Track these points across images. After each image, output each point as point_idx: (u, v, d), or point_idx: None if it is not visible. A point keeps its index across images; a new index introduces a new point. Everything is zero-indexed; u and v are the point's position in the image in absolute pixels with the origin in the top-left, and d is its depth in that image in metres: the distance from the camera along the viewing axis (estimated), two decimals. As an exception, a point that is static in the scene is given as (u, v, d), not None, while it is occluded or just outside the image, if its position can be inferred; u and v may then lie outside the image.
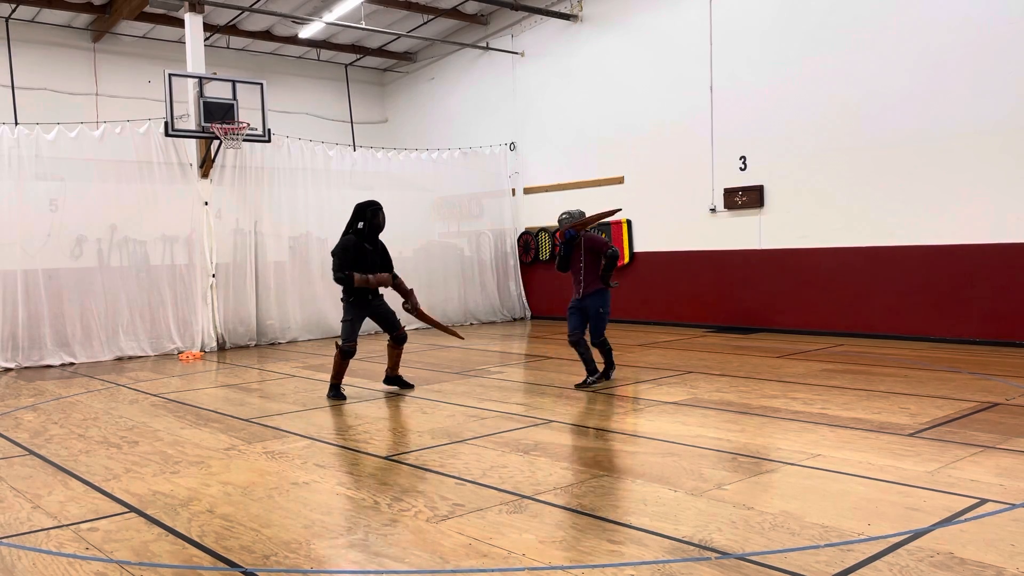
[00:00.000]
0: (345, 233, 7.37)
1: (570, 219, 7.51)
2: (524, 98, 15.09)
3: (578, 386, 7.49)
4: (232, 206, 11.83)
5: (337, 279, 7.22)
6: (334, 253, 7.31)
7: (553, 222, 14.67)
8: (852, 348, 9.73)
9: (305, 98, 16.84)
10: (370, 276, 7.22)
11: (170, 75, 10.78)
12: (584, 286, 7.49)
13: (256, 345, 11.90)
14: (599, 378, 7.61)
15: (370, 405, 7.13)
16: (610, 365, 7.77)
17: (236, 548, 3.66)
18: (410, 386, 7.81)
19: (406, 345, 7.91)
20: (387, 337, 7.68)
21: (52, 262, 10.45)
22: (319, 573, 3.44)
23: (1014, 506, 3.91)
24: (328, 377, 7.79)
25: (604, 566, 3.33)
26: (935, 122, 9.91)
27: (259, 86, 11.50)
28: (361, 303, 7.37)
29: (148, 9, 13.19)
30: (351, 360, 7.52)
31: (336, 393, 7.41)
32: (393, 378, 7.80)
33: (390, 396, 7.49)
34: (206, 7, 12.12)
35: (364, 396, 7.53)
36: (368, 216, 7.29)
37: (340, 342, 7.38)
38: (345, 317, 7.38)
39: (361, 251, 7.24)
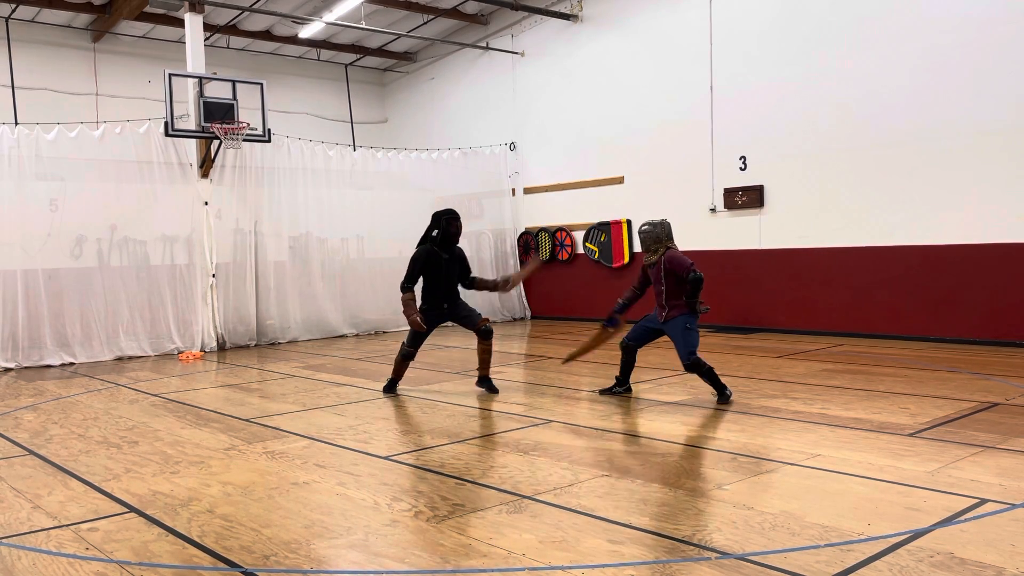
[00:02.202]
0: (422, 242, 7.33)
1: (651, 230, 6.75)
2: (524, 98, 15.09)
3: (602, 391, 7.17)
4: (232, 206, 11.83)
5: (401, 286, 7.18)
6: (410, 260, 7.26)
7: (553, 222, 14.71)
8: (852, 348, 9.73)
9: (305, 98, 16.84)
10: (413, 315, 7.07)
11: (170, 75, 10.77)
12: (667, 311, 6.67)
13: (256, 345, 11.90)
14: (625, 390, 7.06)
15: (370, 405, 7.13)
16: (720, 388, 6.64)
17: (236, 548, 3.66)
18: (495, 391, 7.40)
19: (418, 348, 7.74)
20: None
21: (52, 262, 10.45)
22: (319, 573, 3.44)
23: (1014, 506, 3.91)
24: (327, 376, 7.74)
25: (604, 566, 3.33)
26: (935, 122, 9.91)
27: (259, 86, 11.50)
28: (433, 312, 7.33)
29: (148, 9, 13.20)
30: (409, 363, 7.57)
31: (390, 388, 7.60)
32: (481, 379, 7.49)
33: (390, 396, 7.49)
34: (206, 7, 12.12)
35: (364, 396, 7.53)
36: (443, 225, 7.23)
37: (404, 343, 7.42)
38: None
39: (435, 260, 7.22)
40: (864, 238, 10.62)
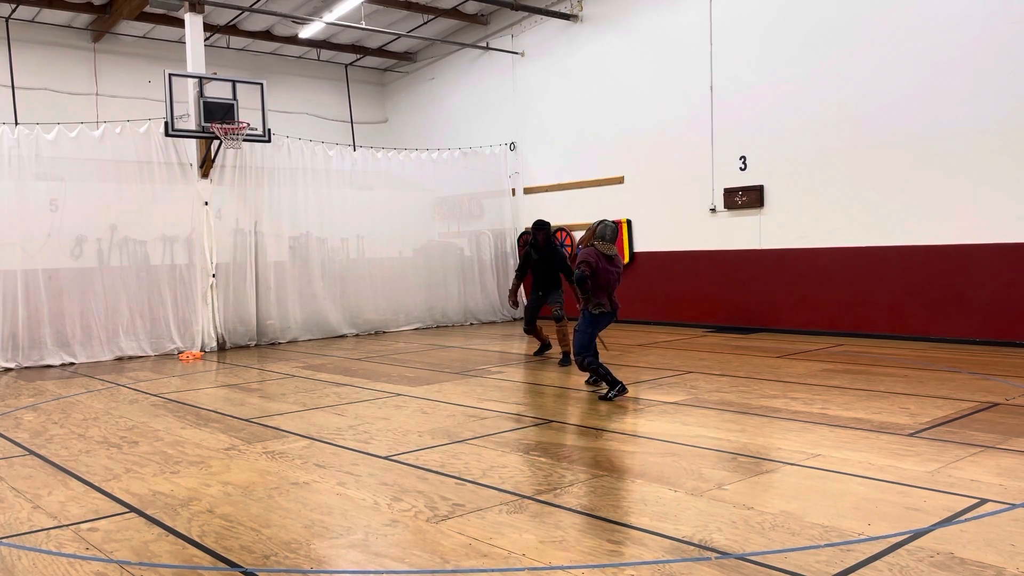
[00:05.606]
0: None
1: (605, 229, 6.93)
2: (524, 98, 15.08)
3: (601, 397, 7.03)
4: (232, 206, 11.83)
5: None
6: None
7: (553, 222, 14.67)
8: (852, 348, 9.73)
9: (305, 98, 16.84)
10: (513, 296, 10.00)
11: (170, 75, 10.77)
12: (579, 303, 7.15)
13: (256, 345, 11.90)
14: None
15: (370, 405, 7.13)
16: (610, 383, 6.80)
17: (236, 548, 3.66)
18: (566, 363, 8.99)
19: (405, 343, 8.02)
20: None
21: (52, 262, 10.45)
22: (319, 573, 3.44)
23: (1014, 506, 3.91)
24: (327, 376, 7.77)
25: (604, 566, 3.33)
26: (935, 122, 9.91)
27: (259, 86, 11.49)
28: (534, 295, 9.69)
29: (148, 9, 13.20)
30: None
31: (541, 351, 9.91)
32: (564, 354, 9.19)
33: (390, 396, 7.50)
34: (206, 7, 12.12)
35: (364, 396, 7.54)
36: (531, 233, 9.59)
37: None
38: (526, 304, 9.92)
39: (528, 258, 9.74)
40: (864, 238, 10.62)
